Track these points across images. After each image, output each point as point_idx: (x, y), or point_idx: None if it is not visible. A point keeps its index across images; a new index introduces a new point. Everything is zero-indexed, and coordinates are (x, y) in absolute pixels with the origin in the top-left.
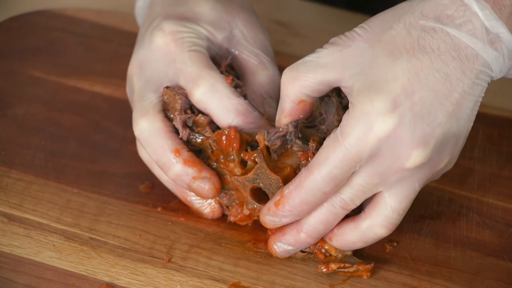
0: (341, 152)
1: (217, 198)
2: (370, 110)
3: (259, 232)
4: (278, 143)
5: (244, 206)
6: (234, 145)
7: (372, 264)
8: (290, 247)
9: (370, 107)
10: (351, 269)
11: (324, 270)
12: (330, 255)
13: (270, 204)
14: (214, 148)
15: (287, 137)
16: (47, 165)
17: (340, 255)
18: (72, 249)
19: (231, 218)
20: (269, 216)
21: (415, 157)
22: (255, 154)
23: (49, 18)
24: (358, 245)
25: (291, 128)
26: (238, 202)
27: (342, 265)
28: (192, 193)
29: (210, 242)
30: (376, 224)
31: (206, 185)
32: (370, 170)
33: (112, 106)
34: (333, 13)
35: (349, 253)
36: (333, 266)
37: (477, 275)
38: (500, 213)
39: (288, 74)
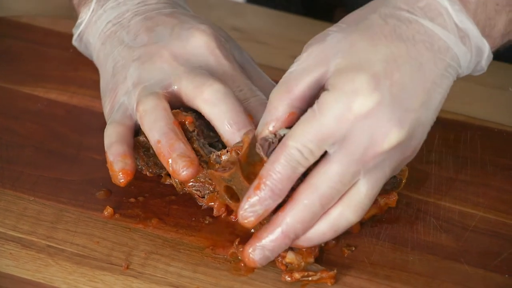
0: (316, 127)
1: (192, 188)
2: (351, 89)
3: (217, 238)
4: None
5: (218, 196)
6: (185, 120)
7: (335, 271)
8: (267, 252)
9: (350, 86)
10: (315, 277)
11: (288, 279)
12: (292, 264)
13: (249, 192)
14: None
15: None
16: (3, 173)
17: (303, 263)
18: (29, 257)
19: (210, 207)
20: (250, 206)
21: (391, 137)
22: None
23: (4, 26)
24: (328, 235)
25: (278, 137)
26: (212, 190)
27: (306, 273)
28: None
29: (169, 248)
30: (348, 211)
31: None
32: (347, 156)
33: (68, 113)
34: (289, 19)
35: (312, 260)
36: (297, 275)
37: (435, 278)
38: (456, 216)
39: (278, 91)
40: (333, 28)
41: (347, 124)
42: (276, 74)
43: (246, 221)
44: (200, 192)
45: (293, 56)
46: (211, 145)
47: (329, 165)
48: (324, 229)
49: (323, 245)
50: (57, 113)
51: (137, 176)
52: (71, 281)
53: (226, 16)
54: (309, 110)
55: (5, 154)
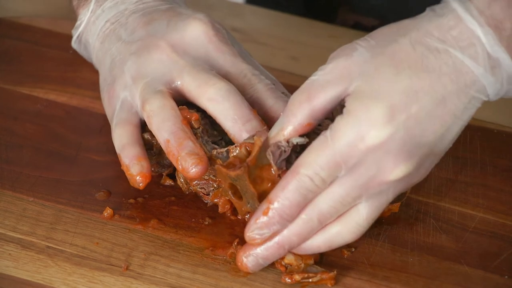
0: (328, 155)
1: (196, 186)
2: (365, 119)
3: (217, 239)
4: (284, 166)
5: (222, 190)
6: (191, 117)
7: (335, 272)
8: (260, 260)
9: (365, 115)
10: (315, 279)
11: (289, 281)
12: (291, 265)
13: (257, 214)
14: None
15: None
16: (2, 174)
17: (302, 265)
18: (29, 258)
19: (215, 204)
20: (258, 229)
21: (398, 171)
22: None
23: (2, 27)
24: (322, 249)
25: (291, 145)
26: (217, 187)
27: (306, 275)
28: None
29: (168, 249)
30: (346, 230)
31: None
32: (352, 181)
33: (67, 114)
34: (288, 19)
35: (311, 261)
36: (297, 277)
37: (434, 280)
38: (456, 217)
39: (299, 97)
40: (362, 42)
41: (358, 154)
42: (276, 75)
43: (252, 242)
44: (205, 189)
45: (292, 57)
46: (214, 143)
47: (333, 186)
48: (319, 243)
49: None
50: (56, 114)
51: None
52: (71, 282)
53: (225, 16)
54: (322, 136)
55: (4, 155)
